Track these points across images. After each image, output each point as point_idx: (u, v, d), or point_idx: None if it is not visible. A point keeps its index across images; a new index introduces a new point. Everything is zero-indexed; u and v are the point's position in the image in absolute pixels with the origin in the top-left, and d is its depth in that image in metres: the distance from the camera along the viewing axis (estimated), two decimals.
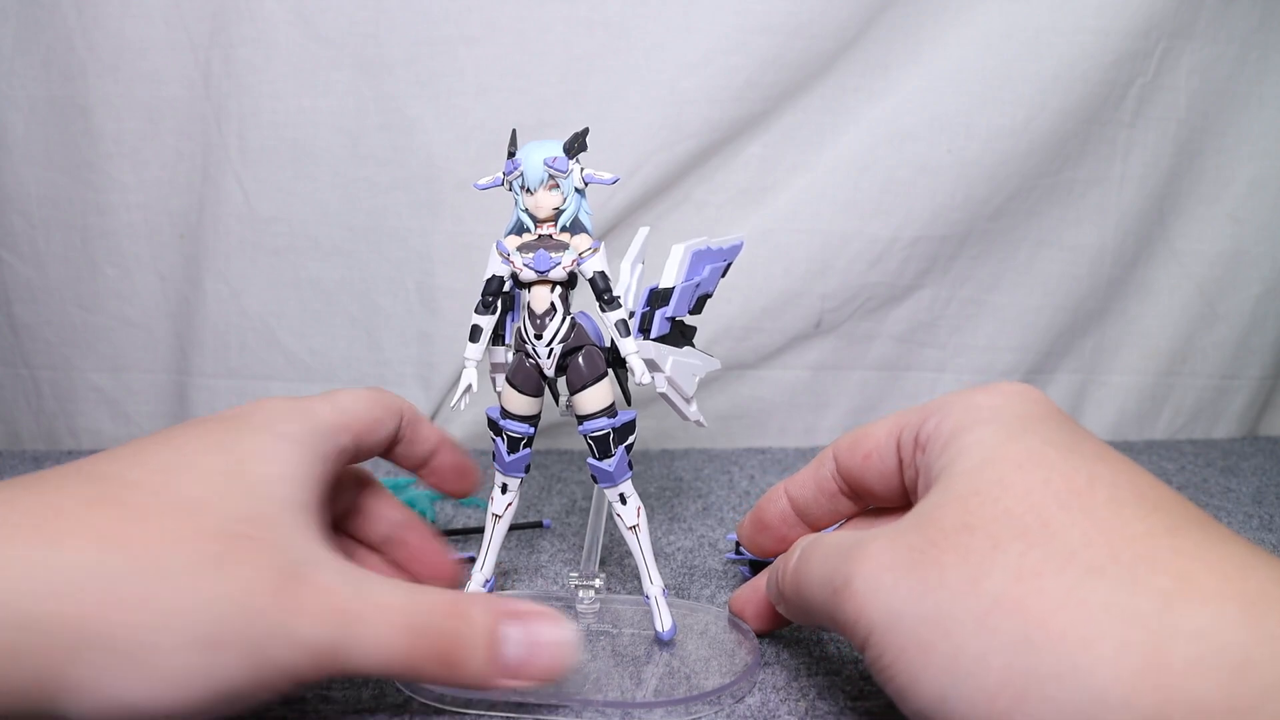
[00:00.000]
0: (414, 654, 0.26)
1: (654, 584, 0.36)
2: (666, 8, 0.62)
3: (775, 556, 0.36)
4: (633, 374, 0.34)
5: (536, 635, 0.28)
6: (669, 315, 0.36)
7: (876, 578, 0.25)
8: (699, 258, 0.36)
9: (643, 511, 0.36)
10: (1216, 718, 0.19)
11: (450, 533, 0.50)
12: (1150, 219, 0.71)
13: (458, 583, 0.37)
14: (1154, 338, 0.73)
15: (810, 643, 0.37)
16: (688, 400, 0.37)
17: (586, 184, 0.33)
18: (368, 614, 0.26)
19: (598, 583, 0.38)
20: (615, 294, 0.33)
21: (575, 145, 0.33)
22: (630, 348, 0.33)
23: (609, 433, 0.34)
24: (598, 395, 0.34)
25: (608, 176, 0.34)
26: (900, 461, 0.31)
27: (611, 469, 0.35)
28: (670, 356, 0.36)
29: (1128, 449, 0.69)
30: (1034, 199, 0.69)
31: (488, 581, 0.37)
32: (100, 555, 0.23)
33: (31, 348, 0.68)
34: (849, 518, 0.36)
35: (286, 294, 0.67)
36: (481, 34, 0.63)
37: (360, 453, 0.34)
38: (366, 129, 0.64)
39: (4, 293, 0.67)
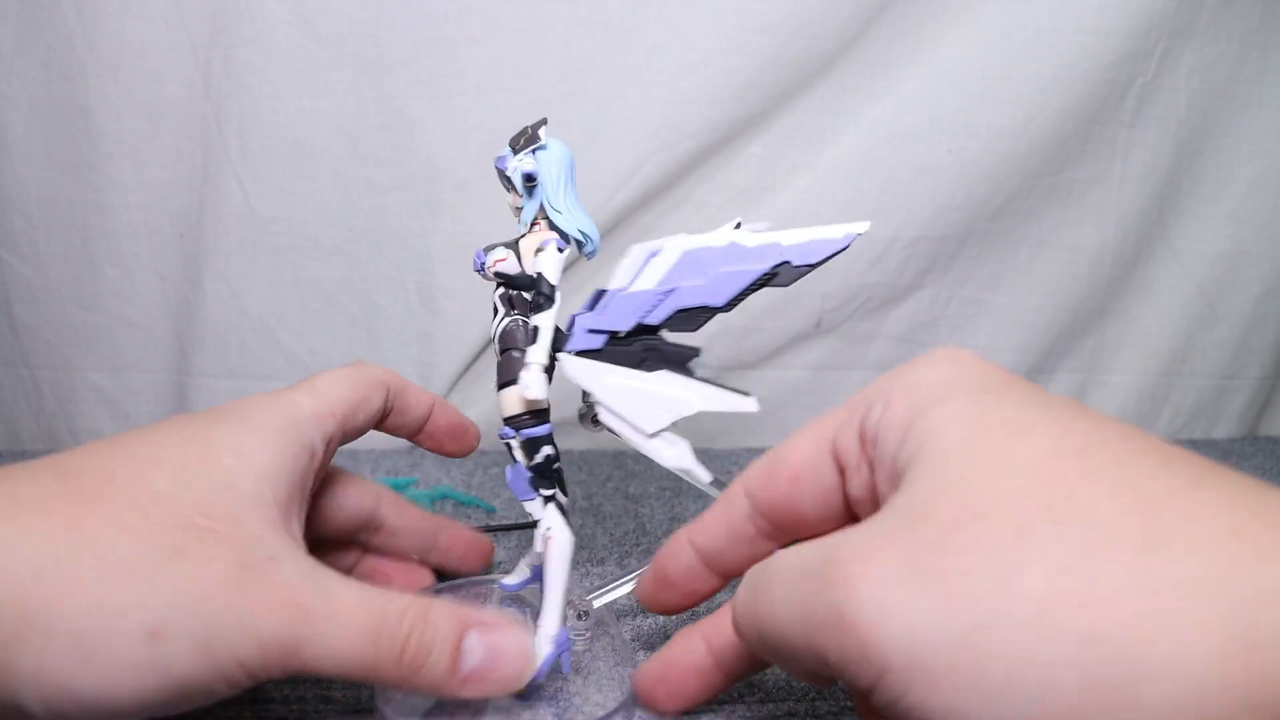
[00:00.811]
0: (374, 656, 0.26)
1: (544, 626, 0.31)
2: (666, 8, 0.62)
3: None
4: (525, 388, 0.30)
5: (498, 644, 0.28)
6: (593, 327, 0.31)
7: (879, 600, 0.21)
8: (691, 261, 0.31)
9: (558, 541, 0.32)
10: None
11: None
12: (1150, 219, 0.71)
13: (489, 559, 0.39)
14: (1154, 338, 0.73)
15: None
16: (646, 435, 0.32)
17: (527, 179, 0.31)
18: (328, 612, 0.25)
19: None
20: (548, 297, 0.31)
21: (521, 140, 0.32)
22: (528, 357, 0.30)
23: (508, 443, 0.32)
24: (506, 401, 0.32)
25: (529, 167, 0.31)
26: (842, 472, 0.27)
27: (508, 479, 0.32)
28: (607, 378, 0.31)
29: None
30: (1034, 199, 0.69)
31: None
32: (51, 542, 0.23)
33: (31, 348, 0.68)
34: None
35: (286, 294, 0.67)
36: (481, 34, 0.62)
37: (349, 434, 0.34)
38: (366, 129, 0.64)
39: (4, 293, 0.67)
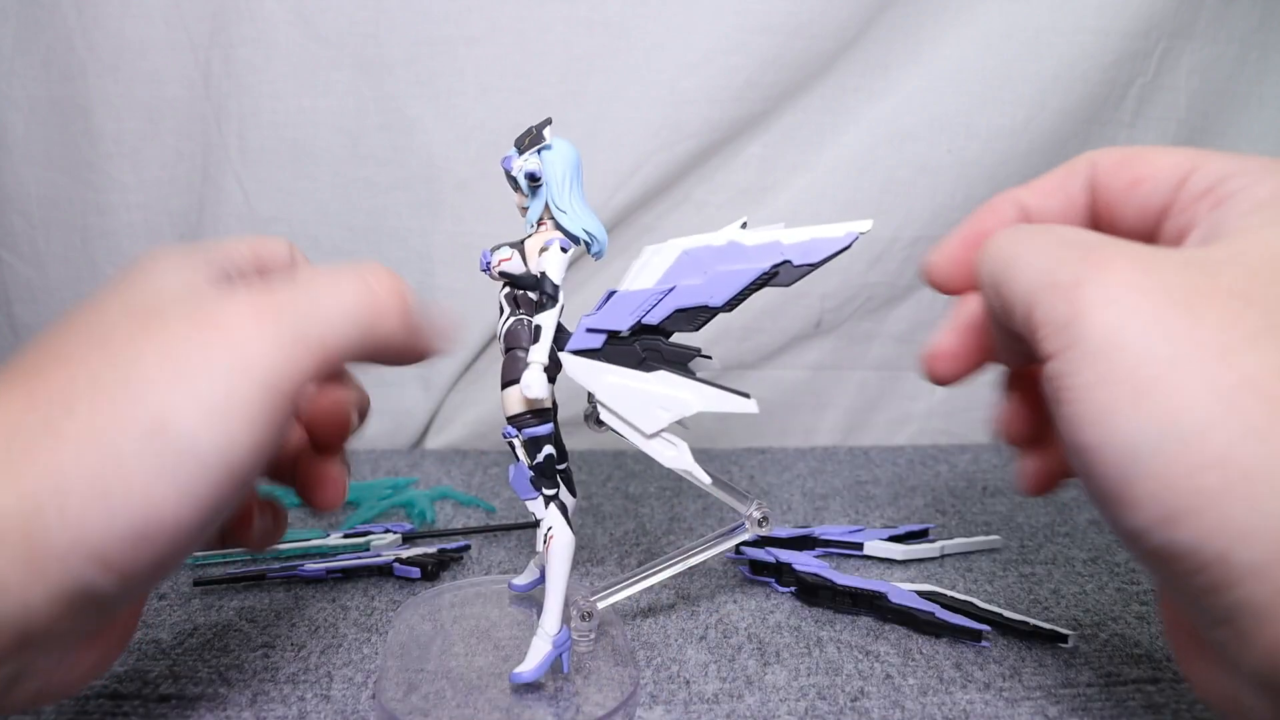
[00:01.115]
0: (371, 297, 0.27)
1: (545, 625, 0.32)
2: (666, 8, 0.62)
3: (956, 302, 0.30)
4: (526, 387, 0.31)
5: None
6: (592, 326, 0.31)
7: (1116, 291, 0.21)
8: (690, 260, 0.31)
9: (559, 541, 0.32)
10: None
11: (449, 533, 0.50)
12: None
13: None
14: None
15: (810, 642, 0.37)
16: (646, 435, 0.32)
17: (531, 179, 0.32)
18: (319, 292, 0.26)
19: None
20: (551, 297, 0.31)
21: (526, 141, 0.32)
22: (530, 356, 0.31)
23: (511, 442, 0.33)
24: (509, 400, 0.32)
25: (533, 167, 0.32)
26: (1171, 206, 0.26)
27: (510, 478, 0.33)
28: (607, 378, 0.31)
29: None
30: None
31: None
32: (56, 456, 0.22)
33: None
34: None
35: None
36: (481, 34, 0.62)
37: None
38: (366, 129, 0.64)
39: (4, 293, 0.67)
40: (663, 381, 0.31)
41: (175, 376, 0.23)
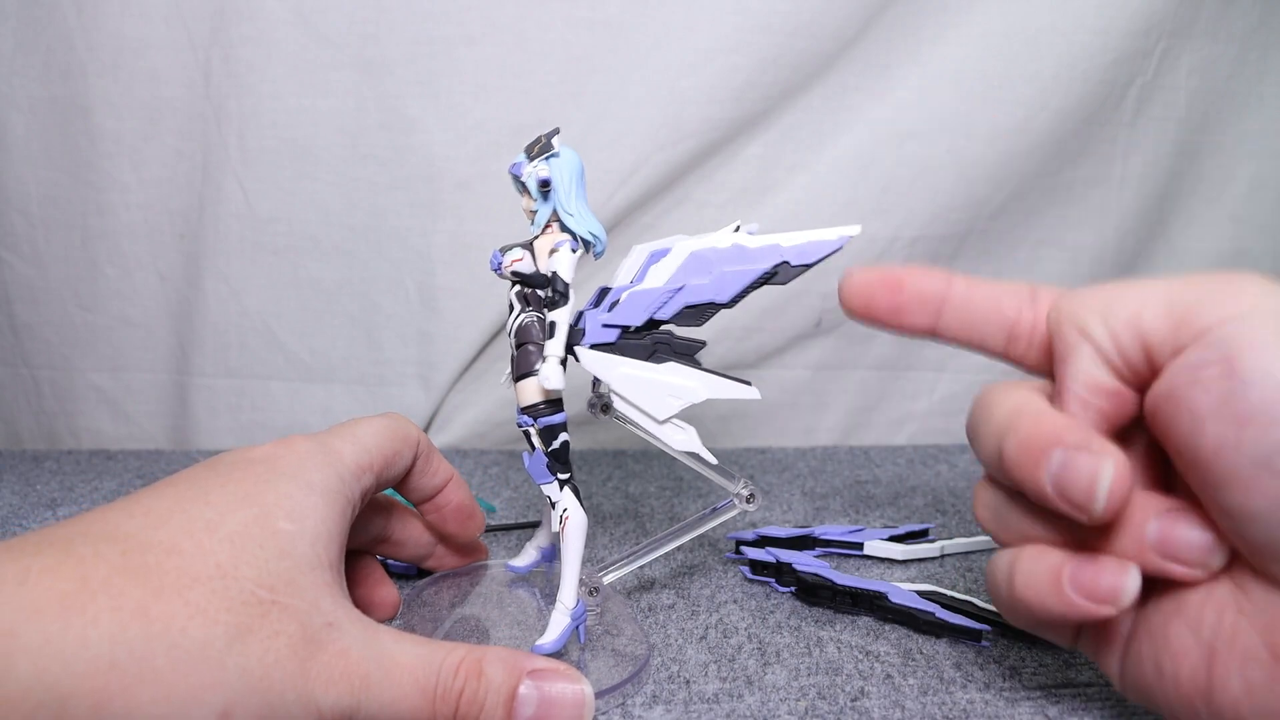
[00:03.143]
0: (430, 713, 0.27)
1: (563, 599, 0.34)
2: (666, 8, 0.62)
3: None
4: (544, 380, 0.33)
5: (552, 694, 0.28)
6: (607, 322, 0.34)
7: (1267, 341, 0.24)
8: (698, 261, 0.34)
9: (573, 521, 0.34)
10: None
11: None
12: (1150, 219, 0.71)
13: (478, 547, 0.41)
14: None
15: (810, 642, 0.37)
16: (658, 421, 0.34)
17: (542, 185, 0.34)
18: (384, 675, 0.26)
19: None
20: (563, 294, 0.33)
21: (535, 148, 0.34)
22: (546, 350, 0.33)
23: (527, 430, 0.34)
24: (524, 391, 0.34)
25: (544, 174, 0.33)
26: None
27: (527, 465, 0.35)
28: (621, 369, 0.34)
29: None
30: (1034, 199, 0.69)
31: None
32: (124, 630, 0.23)
33: (31, 348, 0.68)
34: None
35: (286, 294, 0.67)
36: (481, 34, 0.62)
37: (379, 487, 0.34)
38: (366, 129, 0.64)
39: (4, 293, 0.67)
40: (672, 371, 0.34)
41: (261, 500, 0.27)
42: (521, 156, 0.34)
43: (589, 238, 0.34)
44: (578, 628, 0.34)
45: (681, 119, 0.63)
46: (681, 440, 0.35)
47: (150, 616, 0.23)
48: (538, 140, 0.34)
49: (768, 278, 0.34)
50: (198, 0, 0.62)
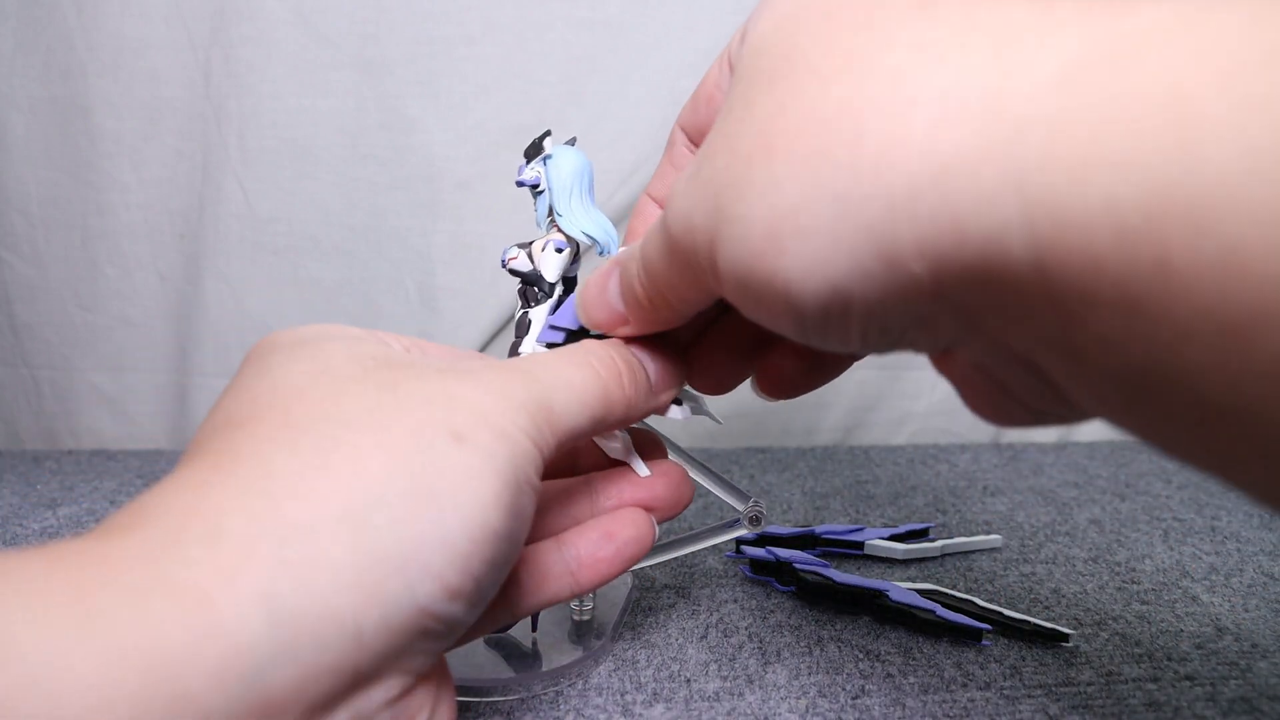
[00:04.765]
0: (603, 385, 0.27)
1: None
2: (666, 8, 0.62)
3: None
4: None
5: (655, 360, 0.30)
6: (554, 324, 0.33)
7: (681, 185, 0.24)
8: None
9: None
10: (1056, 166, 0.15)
11: None
12: None
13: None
14: None
15: (811, 641, 0.37)
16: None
17: (533, 186, 0.35)
18: (554, 375, 0.26)
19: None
20: (546, 293, 0.34)
21: (531, 150, 0.35)
22: (520, 347, 0.34)
23: None
24: None
25: (527, 177, 0.34)
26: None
27: None
28: None
29: (1128, 447, 0.69)
30: None
31: None
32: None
33: (31, 348, 0.68)
34: None
35: (286, 294, 0.67)
36: (481, 34, 0.63)
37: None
38: (366, 129, 0.64)
39: (4, 293, 0.67)
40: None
41: (461, 400, 0.23)
42: (523, 160, 0.35)
43: (581, 238, 0.35)
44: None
45: None
46: (614, 449, 0.34)
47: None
48: (533, 143, 0.35)
49: None
50: (198, 0, 0.62)
